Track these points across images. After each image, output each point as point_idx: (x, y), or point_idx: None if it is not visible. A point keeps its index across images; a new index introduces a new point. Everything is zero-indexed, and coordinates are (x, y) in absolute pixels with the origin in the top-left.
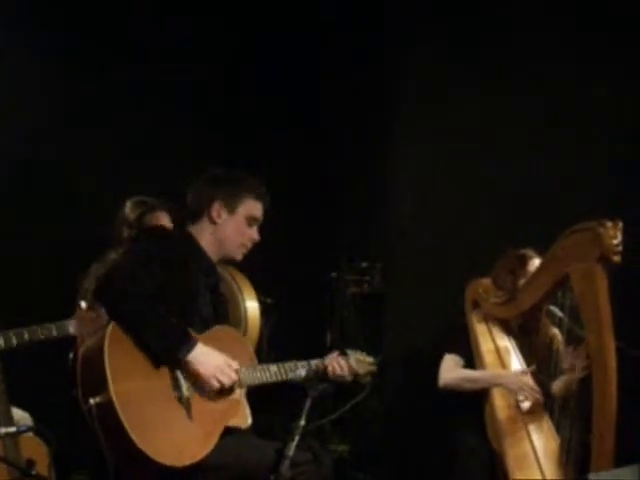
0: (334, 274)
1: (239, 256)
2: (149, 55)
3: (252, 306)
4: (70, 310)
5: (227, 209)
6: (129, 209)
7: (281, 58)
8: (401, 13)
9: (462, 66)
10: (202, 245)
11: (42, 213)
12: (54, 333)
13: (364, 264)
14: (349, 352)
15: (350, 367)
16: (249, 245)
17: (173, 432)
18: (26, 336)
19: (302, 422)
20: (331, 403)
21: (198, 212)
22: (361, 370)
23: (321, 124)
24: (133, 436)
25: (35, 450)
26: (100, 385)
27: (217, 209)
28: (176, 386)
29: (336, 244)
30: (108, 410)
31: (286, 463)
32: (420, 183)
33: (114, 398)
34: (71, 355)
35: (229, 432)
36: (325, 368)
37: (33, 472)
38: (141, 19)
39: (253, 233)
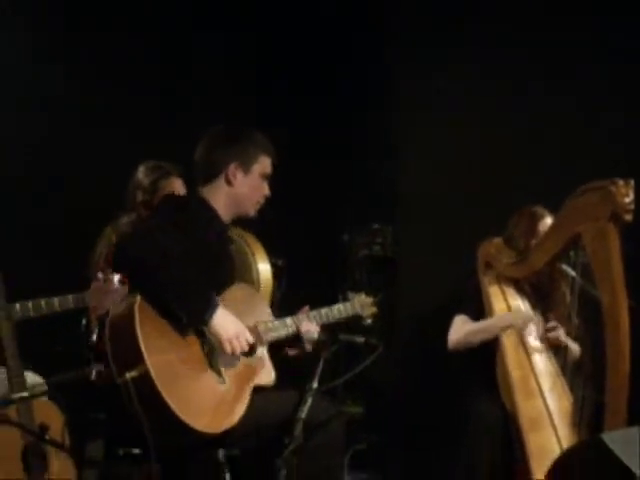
0: (345, 236)
1: (253, 212)
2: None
3: (264, 268)
4: (84, 277)
5: (243, 170)
6: (142, 174)
7: (287, 44)
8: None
9: (463, 44)
10: (216, 207)
11: (54, 184)
12: (71, 305)
13: (376, 226)
14: (351, 295)
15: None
16: (262, 201)
17: (209, 399)
18: (44, 307)
19: (315, 384)
20: (343, 365)
21: (213, 174)
22: (365, 312)
23: (332, 89)
24: (174, 407)
25: (49, 415)
26: (135, 358)
27: (233, 171)
28: (205, 351)
29: (348, 206)
30: (146, 383)
31: (299, 426)
32: (432, 146)
33: (151, 371)
34: (84, 321)
35: (256, 390)
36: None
37: (46, 437)
38: (140, 19)
39: (266, 189)
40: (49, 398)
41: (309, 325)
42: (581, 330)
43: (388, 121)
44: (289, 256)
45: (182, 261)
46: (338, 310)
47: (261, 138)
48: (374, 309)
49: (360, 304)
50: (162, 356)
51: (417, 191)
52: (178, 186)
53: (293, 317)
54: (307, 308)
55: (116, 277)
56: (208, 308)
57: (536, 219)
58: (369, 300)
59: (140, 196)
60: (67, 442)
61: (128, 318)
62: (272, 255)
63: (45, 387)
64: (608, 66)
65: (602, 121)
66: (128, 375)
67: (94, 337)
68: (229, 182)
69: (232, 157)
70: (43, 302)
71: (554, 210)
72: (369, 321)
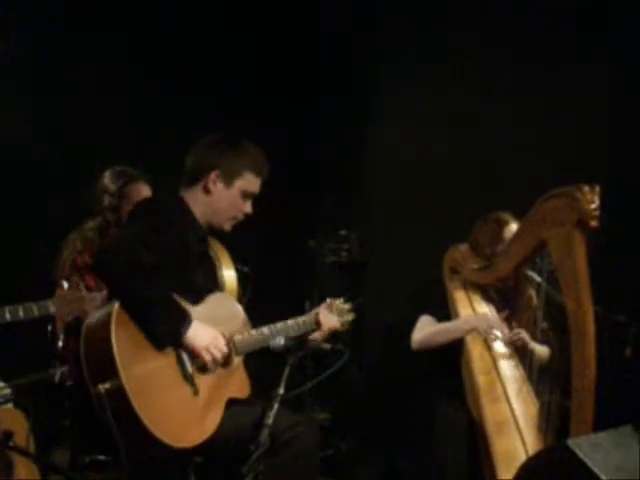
0: (313, 242)
1: (228, 227)
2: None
3: (229, 275)
4: (49, 283)
5: (224, 181)
6: (108, 179)
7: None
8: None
9: (433, 39)
10: (194, 212)
11: (18, 188)
12: (35, 313)
13: (343, 232)
14: (329, 300)
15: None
16: (240, 217)
17: (183, 412)
18: (7, 315)
19: (281, 390)
20: (311, 371)
21: (195, 177)
22: (342, 318)
23: (302, 94)
24: (147, 422)
25: (14, 421)
26: (109, 371)
27: (214, 179)
28: (180, 363)
29: (315, 212)
30: (119, 397)
31: (265, 432)
32: (399, 152)
33: (126, 385)
34: (50, 327)
35: (230, 402)
36: (317, 319)
37: (11, 443)
38: (138, 16)
39: (246, 206)
40: (14, 405)
41: (328, 316)
42: (547, 335)
43: (356, 128)
44: (255, 262)
45: (158, 274)
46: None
47: (254, 155)
48: (351, 315)
49: (338, 310)
50: (137, 368)
51: (384, 197)
52: (145, 191)
53: (270, 326)
54: (329, 302)
55: (65, 283)
56: (181, 326)
57: (501, 225)
58: (346, 307)
59: (107, 200)
60: (32, 449)
61: (104, 328)
62: (237, 261)
63: (8, 391)
64: (577, 67)
65: (570, 123)
66: (102, 387)
67: (60, 343)
68: (207, 190)
69: (216, 165)
70: (7, 311)
71: (520, 216)
72: (346, 327)
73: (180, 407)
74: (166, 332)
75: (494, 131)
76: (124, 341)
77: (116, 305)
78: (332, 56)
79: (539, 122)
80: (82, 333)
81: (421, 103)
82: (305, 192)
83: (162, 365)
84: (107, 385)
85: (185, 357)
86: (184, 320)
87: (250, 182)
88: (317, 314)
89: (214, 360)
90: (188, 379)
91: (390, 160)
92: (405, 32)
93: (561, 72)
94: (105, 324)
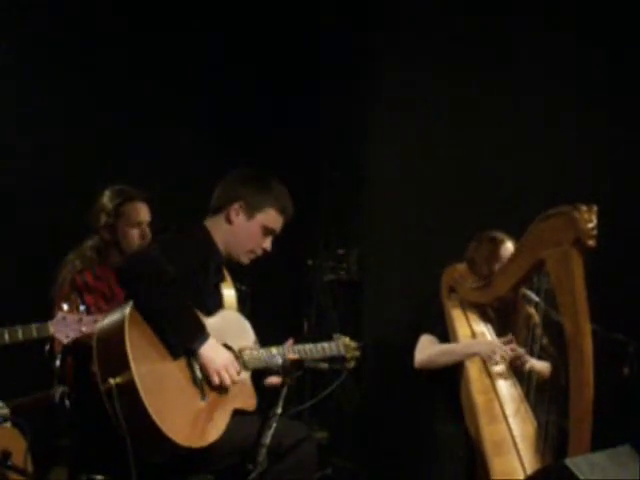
0: (311, 261)
1: (246, 261)
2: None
3: (229, 294)
4: (48, 303)
5: (246, 213)
6: (107, 198)
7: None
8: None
9: (432, 57)
10: (215, 240)
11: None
12: (34, 334)
13: (341, 251)
14: (335, 336)
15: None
16: (259, 252)
17: (191, 414)
18: (6, 337)
19: (279, 410)
20: (309, 390)
21: (219, 207)
22: (348, 354)
23: (301, 111)
24: (155, 417)
25: (11, 441)
26: (121, 365)
27: (236, 210)
28: (190, 367)
29: (313, 231)
30: (129, 391)
31: (263, 452)
32: (397, 170)
33: (136, 378)
34: (47, 347)
35: (236, 413)
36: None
37: (9, 463)
38: (138, 19)
39: (266, 243)
40: (12, 424)
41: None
42: (548, 351)
43: (356, 149)
44: (254, 281)
45: (180, 287)
46: (322, 348)
47: (279, 193)
48: (357, 353)
49: (344, 346)
50: (148, 365)
51: (382, 216)
52: (143, 211)
53: (279, 347)
54: (292, 341)
55: (81, 307)
56: (197, 339)
57: (497, 244)
58: (353, 344)
59: (103, 219)
60: (30, 468)
61: (118, 328)
62: (236, 280)
63: (6, 410)
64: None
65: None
66: (112, 381)
67: (57, 362)
68: (229, 220)
69: (240, 197)
70: (6, 331)
71: (520, 232)
72: (352, 364)
73: (187, 408)
74: (181, 343)
75: (494, 134)
76: (137, 340)
77: (129, 307)
78: (332, 56)
79: (539, 122)
80: (95, 333)
81: (422, 123)
82: (304, 211)
83: (173, 366)
84: (118, 379)
85: (195, 362)
86: (200, 334)
87: (271, 218)
88: (336, 345)
89: (221, 384)
90: (197, 383)
91: (390, 181)
92: (405, 36)
93: (561, 72)
94: (119, 324)
